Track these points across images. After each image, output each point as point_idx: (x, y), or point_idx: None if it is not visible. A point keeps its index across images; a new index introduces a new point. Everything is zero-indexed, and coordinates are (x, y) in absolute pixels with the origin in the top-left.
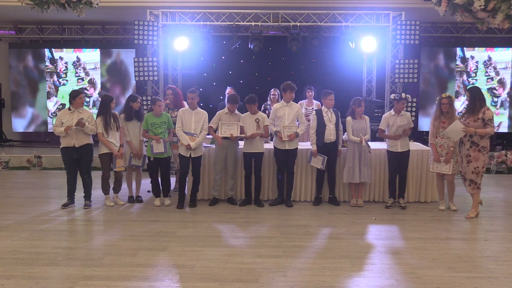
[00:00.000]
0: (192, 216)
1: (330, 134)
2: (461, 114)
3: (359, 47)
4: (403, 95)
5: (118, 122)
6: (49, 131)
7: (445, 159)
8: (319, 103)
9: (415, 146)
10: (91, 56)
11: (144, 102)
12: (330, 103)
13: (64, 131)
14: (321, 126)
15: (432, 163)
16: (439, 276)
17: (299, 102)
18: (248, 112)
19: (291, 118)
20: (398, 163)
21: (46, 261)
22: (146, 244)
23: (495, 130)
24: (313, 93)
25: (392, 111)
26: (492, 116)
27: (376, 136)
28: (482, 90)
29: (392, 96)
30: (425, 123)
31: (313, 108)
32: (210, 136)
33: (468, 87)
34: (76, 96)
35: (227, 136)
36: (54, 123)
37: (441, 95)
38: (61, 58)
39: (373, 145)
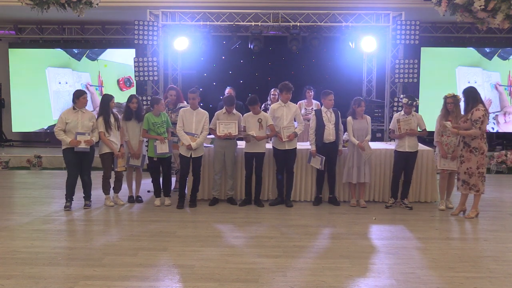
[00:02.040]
0: (192, 216)
1: (329, 134)
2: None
3: (359, 47)
4: (407, 100)
5: (119, 122)
6: (49, 131)
7: (452, 156)
8: (319, 103)
9: None
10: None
11: (144, 102)
12: (330, 103)
13: (70, 144)
14: (320, 126)
15: (439, 160)
16: (439, 276)
17: (298, 102)
18: (251, 112)
19: (289, 118)
20: (404, 163)
21: (46, 261)
22: (146, 244)
23: (496, 131)
24: (312, 93)
25: (402, 112)
26: (479, 117)
27: (376, 136)
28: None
29: (405, 100)
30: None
31: (312, 108)
32: (211, 136)
33: (463, 89)
34: (80, 96)
35: (228, 137)
36: (57, 124)
37: (446, 94)
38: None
39: (373, 145)
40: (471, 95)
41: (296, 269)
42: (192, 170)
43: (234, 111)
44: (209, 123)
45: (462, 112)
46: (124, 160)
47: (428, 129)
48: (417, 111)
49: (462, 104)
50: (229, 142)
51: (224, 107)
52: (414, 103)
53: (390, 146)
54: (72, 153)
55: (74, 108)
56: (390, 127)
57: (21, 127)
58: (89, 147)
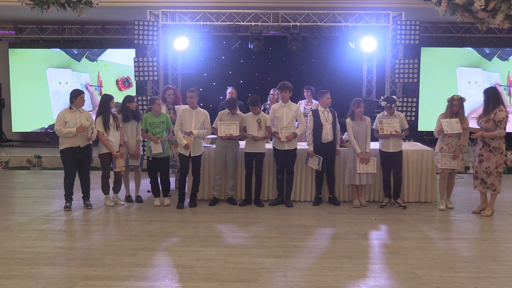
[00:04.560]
0: (192, 216)
1: (327, 134)
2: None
3: (359, 47)
4: (385, 103)
5: (118, 122)
6: (49, 131)
7: (453, 155)
8: (318, 102)
9: (415, 146)
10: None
11: (145, 102)
12: (327, 101)
13: (76, 131)
14: (318, 126)
15: (440, 160)
16: (439, 276)
17: (298, 102)
18: (251, 112)
19: (289, 118)
20: (390, 163)
21: (46, 261)
22: (146, 244)
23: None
24: (310, 92)
25: (385, 112)
26: (503, 118)
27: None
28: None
29: (383, 103)
30: (425, 123)
31: (311, 108)
32: (212, 136)
33: (484, 89)
34: (77, 95)
35: (230, 137)
36: (56, 123)
37: (453, 96)
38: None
39: (372, 145)
40: (493, 95)
41: (296, 269)
42: (191, 170)
43: (238, 111)
44: (210, 123)
45: (466, 114)
46: (124, 160)
47: (428, 129)
48: (417, 110)
49: (464, 105)
50: (231, 142)
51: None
52: (393, 105)
53: None
54: (70, 153)
55: (71, 108)
56: (373, 127)
57: (21, 127)
58: (89, 139)
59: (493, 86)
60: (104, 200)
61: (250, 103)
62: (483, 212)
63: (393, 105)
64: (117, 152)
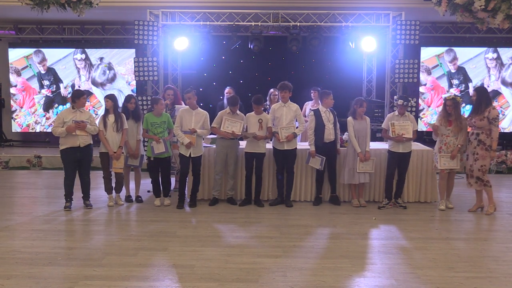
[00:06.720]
0: (192, 216)
1: (329, 134)
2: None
3: (359, 47)
4: (402, 102)
5: (120, 123)
6: (49, 131)
7: (451, 155)
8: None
9: (415, 146)
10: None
11: (144, 102)
12: (331, 102)
13: (66, 130)
14: (320, 126)
15: (439, 160)
16: (439, 276)
17: (305, 103)
18: (253, 112)
19: (289, 118)
20: (398, 164)
21: (46, 261)
22: (146, 244)
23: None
24: (317, 93)
25: (396, 112)
26: (497, 116)
27: (376, 136)
28: None
29: (400, 102)
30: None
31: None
32: (211, 136)
33: (475, 87)
34: (80, 96)
35: (230, 137)
36: (54, 122)
37: (446, 96)
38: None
39: (373, 145)
40: (485, 94)
41: (296, 269)
42: (191, 170)
43: (238, 111)
44: (210, 123)
45: (464, 114)
46: (122, 162)
47: (428, 129)
48: (417, 110)
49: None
50: (231, 142)
51: (228, 107)
52: (409, 103)
53: None
54: (70, 153)
55: (73, 108)
56: (383, 126)
57: (21, 127)
58: (84, 128)
59: (482, 85)
60: (108, 200)
61: (254, 102)
62: (486, 211)
63: (409, 104)
64: (114, 152)
